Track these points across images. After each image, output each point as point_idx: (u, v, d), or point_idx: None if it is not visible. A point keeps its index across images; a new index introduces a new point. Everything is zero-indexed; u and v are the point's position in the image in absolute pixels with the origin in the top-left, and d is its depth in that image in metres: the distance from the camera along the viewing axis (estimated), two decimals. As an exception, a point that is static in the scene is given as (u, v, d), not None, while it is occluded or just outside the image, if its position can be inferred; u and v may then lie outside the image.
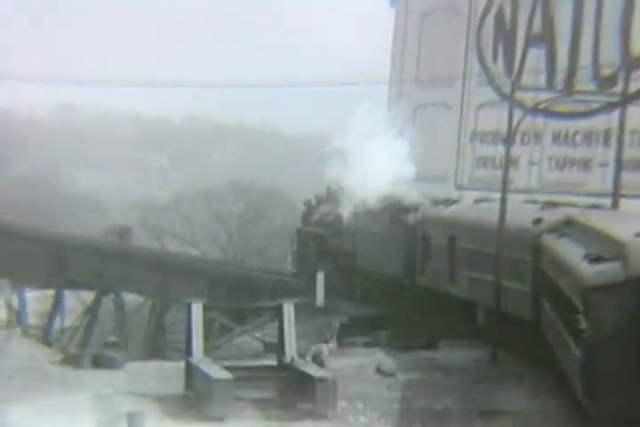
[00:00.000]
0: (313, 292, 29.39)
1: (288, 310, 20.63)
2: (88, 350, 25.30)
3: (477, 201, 28.06)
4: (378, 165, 26.81)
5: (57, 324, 47.83)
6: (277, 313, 20.96)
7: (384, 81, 40.86)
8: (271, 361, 20.49)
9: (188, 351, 20.07)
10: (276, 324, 21.82)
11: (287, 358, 19.99)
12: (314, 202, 34.68)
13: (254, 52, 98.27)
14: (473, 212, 26.43)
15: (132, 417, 16.99)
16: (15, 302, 52.90)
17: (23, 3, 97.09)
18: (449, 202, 29.08)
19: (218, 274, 36.74)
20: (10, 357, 23.17)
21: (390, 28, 40.70)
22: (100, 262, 43.71)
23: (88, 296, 46.69)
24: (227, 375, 18.60)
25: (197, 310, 20.28)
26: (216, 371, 18.86)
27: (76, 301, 48.43)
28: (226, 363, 19.91)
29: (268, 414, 18.28)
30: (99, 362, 22.86)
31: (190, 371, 19.85)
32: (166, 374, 21.95)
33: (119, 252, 42.85)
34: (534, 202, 25.78)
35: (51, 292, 49.31)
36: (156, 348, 38.08)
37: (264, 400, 18.87)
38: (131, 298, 45.28)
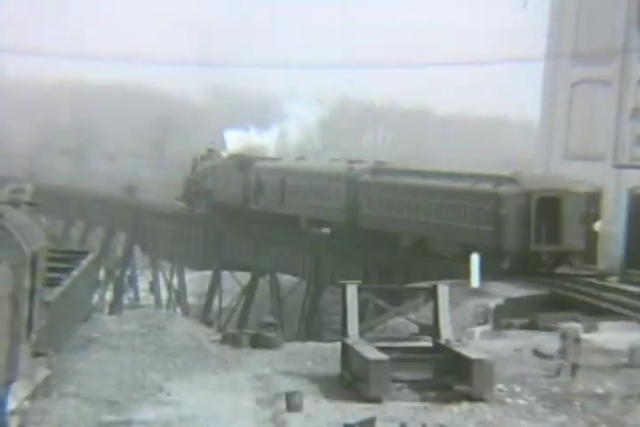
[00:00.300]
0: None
1: (442, 291, 20.57)
2: (246, 331, 25.74)
3: (297, 158, 45.16)
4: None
5: (215, 304, 48.91)
6: (432, 294, 20.94)
7: (528, 58, 40.16)
8: (426, 343, 20.47)
9: (344, 332, 20.21)
10: (430, 305, 21.81)
11: (442, 340, 19.94)
12: (199, 159, 51.24)
13: (388, 32, 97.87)
14: (296, 164, 43.65)
15: (290, 396, 17.27)
16: (175, 283, 54.37)
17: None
18: (275, 159, 46.53)
19: (371, 256, 36.87)
20: (172, 336, 23.79)
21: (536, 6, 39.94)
22: (255, 245, 44.40)
23: (244, 277, 47.54)
24: (382, 356, 18.66)
25: (352, 291, 20.40)
26: (372, 352, 18.94)
27: (232, 282, 49.42)
28: (381, 344, 19.97)
29: (425, 396, 18.29)
30: (256, 342, 23.28)
31: (346, 352, 19.99)
32: (322, 354, 22.20)
33: (273, 235, 43.45)
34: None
35: (208, 273, 50.47)
36: (311, 329, 38.51)
37: (420, 381, 18.88)
38: (286, 279, 45.87)
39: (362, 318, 22.34)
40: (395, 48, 78.75)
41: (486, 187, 31.01)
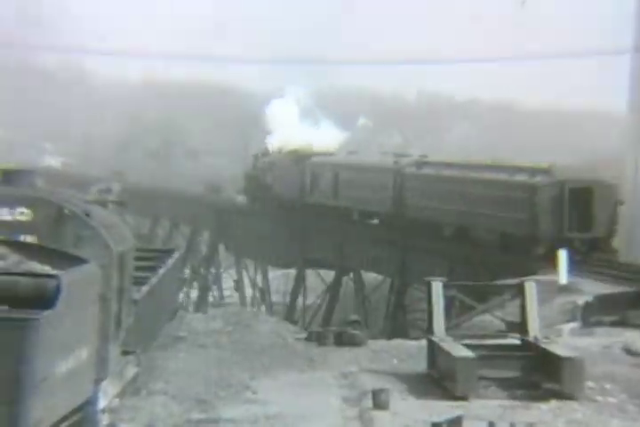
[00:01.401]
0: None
1: (530, 287, 20.30)
2: (331, 328, 25.71)
3: (349, 153, 47.77)
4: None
5: (299, 302, 49.04)
6: (519, 291, 20.67)
7: (615, 51, 39.43)
8: (514, 340, 20.22)
9: (429, 330, 20.07)
10: (517, 302, 21.53)
11: (530, 337, 19.68)
12: (259, 155, 54.97)
13: (469, 25, 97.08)
14: (347, 159, 46.48)
15: (377, 394, 17.19)
16: (259, 281, 54.67)
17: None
18: (329, 154, 48.83)
19: (457, 253, 36.62)
20: (258, 334, 23.88)
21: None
22: (339, 242, 44.39)
23: (328, 275, 47.55)
24: (469, 354, 18.49)
25: (437, 288, 20.25)
26: (458, 349, 18.77)
27: (316, 279, 49.48)
28: (468, 341, 19.78)
29: (513, 394, 18.07)
30: (341, 340, 23.23)
31: (432, 349, 19.85)
32: (408, 352, 22.08)
33: (357, 231, 43.39)
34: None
35: (292, 271, 50.62)
36: (396, 326, 38.37)
37: (508, 379, 18.66)
38: (370, 277, 45.76)
39: (447, 315, 22.15)
40: (480, 42, 78.14)
41: (522, 178, 32.97)
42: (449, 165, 38.21)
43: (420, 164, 39.79)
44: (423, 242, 38.33)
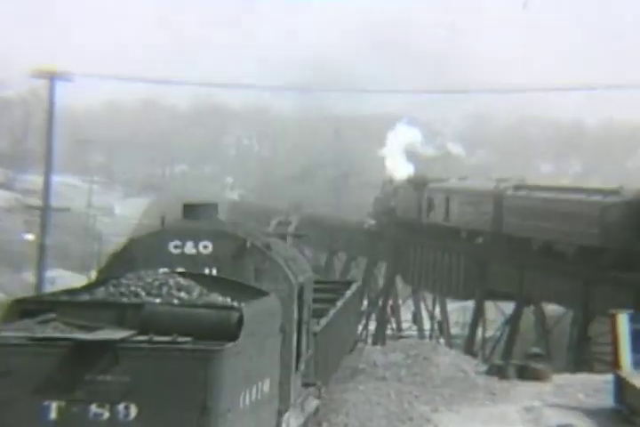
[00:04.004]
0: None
1: None
2: (512, 362, 25.15)
3: (460, 179, 53.36)
4: None
5: (478, 335, 48.32)
6: None
7: None
8: None
9: (616, 364, 19.38)
10: None
11: None
12: (388, 180, 62.42)
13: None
14: (457, 184, 52.32)
15: (562, 430, 16.69)
16: (437, 313, 54.20)
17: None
18: (440, 180, 54.48)
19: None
20: (437, 367, 23.55)
21: None
22: (519, 273, 43.61)
23: (507, 307, 46.74)
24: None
25: (623, 321, 19.57)
26: (648, 384, 18.04)
27: (495, 311, 48.70)
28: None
29: None
30: (524, 373, 22.69)
31: (619, 384, 19.15)
32: (594, 386, 21.37)
33: (537, 263, 42.54)
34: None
35: (471, 303, 49.98)
36: (580, 360, 37.30)
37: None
38: (551, 309, 44.74)
39: (634, 348, 21.34)
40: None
41: (596, 198, 37.84)
42: (541, 188, 44.03)
43: (517, 187, 45.47)
44: (607, 273, 37.53)
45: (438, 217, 52.35)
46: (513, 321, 45.23)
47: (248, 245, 13.43)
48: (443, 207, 51.93)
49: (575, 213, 38.41)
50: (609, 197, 37.17)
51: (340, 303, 23.14)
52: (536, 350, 26.76)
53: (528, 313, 44.62)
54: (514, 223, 44.00)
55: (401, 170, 64.30)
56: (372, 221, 62.03)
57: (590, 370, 29.27)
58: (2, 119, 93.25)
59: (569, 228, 38.65)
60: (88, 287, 12.33)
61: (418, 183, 56.31)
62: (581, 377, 23.40)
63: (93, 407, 10.29)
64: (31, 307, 11.56)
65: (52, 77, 44.60)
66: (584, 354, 38.00)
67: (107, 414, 10.29)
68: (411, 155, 67.18)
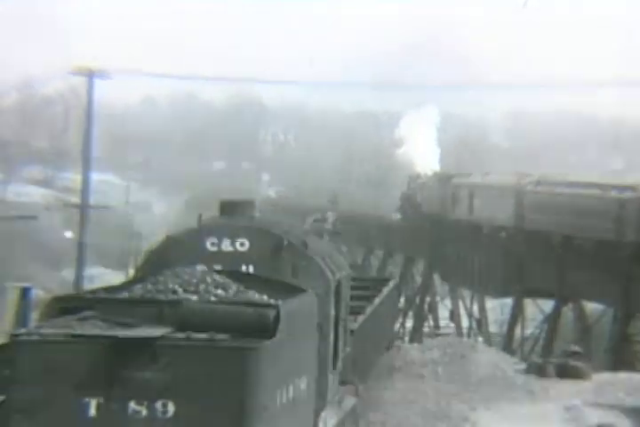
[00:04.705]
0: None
1: None
2: (551, 360, 24.95)
3: (484, 174, 53.60)
4: None
5: (517, 332, 48.01)
6: None
7: None
8: None
9: (658, 362, 19.21)
10: None
11: None
12: (415, 176, 62.29)
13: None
14: (480, 179, 52.42)
15: (602, 430, 16.53)
16: (475, 310, 53.93)
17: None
18: (465, 175, 54.83)
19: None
20: (475, 365, 23.42)
21: None
22: (558, 271, 43.29)
23: (547, 304, 46.42)
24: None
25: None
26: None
27: (535, 309, 48.37)
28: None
29: None
30: (563, 372, 22.51)
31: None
32: (635, 385, 21.18)
33: (576, 259, 42.23)
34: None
35: (509, 300, 49.67)
36: (621, 358, 36.95)
37: None
38: (591, 306, 44.39)
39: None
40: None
41: (613, 193, 38.63)
42: (561, 184, 44.52)
43: (538, 183, 46.00)
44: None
45: (462, 213, 52.89)
46: (552, 319, 44.90)
47: (285, 242, 13.40)
48: (466, 203, 52.47)
49: (592, 208, 39.30)
50: (626, 192, 37.96)
51: (377, 301, 23.05)
52: (575, 347, 26.51)
53: (567, 311, 44.29)
54: (534, 218, 44.76)
55: (426, 158, 64.67)
56: (399, 215, 63.14)
57: (631, 368, 29.00)
58: (41, 117, 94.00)
59: (586, 222, 39.56)
60: (126, 285, 12.36)
61: (442, 178, 56.93)
62: (622, 376, 23.19)
63: (132, 404, 10.31)
64: (70, 304, 11.60)
65: (90, 75, 44.79)
66: (624, 352, 37.68)
67: (145, 412, 10.30)
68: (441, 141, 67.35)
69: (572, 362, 22.90)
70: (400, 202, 63.56)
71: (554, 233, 43.13)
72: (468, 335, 51.29)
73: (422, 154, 65.59)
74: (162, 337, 10.49)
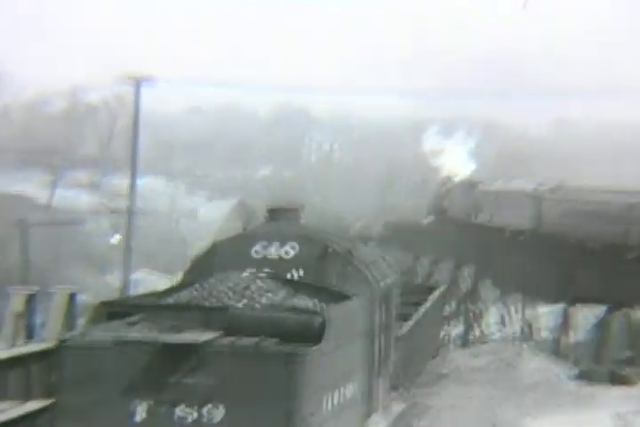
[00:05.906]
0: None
1: None
2: (602, 366, 24.69)
3: (506, 181, 52.27)
4: None
5: (568, 338, 47.52)
6: None
7: None
8: None
9: None
10: None
11: None
12: (444, 181, 62.09)
13: None
14: (503, 186, 51.65)
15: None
16: (526, 316, 53.44)
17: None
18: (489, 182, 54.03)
19: None
20: (524, 371, 23.24)
21: None
22: (609, 277, 42.90)
23: (598, 310, 45.93)
24: None
25: None
26: None
27: (586, 315, 47.84)
28: None
29: None
30: (614, 378, 22.27)
31: None
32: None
33: (627, 266, 41.81)
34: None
35: (560, 306, 49.17)
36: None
37: None
38: (640, 313, 43.87)
39: None
40: None
41: (622, 197, 38.98)
42: (575, 190, 45.62)
43: (554, 189, 46.79)
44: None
45: (484, 218, 54.26)
46: (603, 325, 44.45)
47: (330, 249, 13.36)
48: (489, 208, 54.61)
49: (603, 213, 40.76)
50: (635, 197, 39.36)
51: (423, 307, 22.93)
52: (628, 353, 26.18)
53: (619, 317, 43.81)
54: (551, 222, 46.22)
55: (460, 167, 67.53)
56: (432, 218, 65.38)
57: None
58: (88, 124, 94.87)
59: (598, 226, 40.86)
60: (173, 290, 12.37)
61: (467, 185, 58.87)
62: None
63: (179, 409, 10.32)
64: (118, 309, 11.63)
65: (137, 82, 45.07)
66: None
67: (192, 416, 10.31)
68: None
69: (624, 369, 22.63)
70: (428, 207, 64.72)
71: (567, 237, 43.68)
72: (518, 341, 50.89)
73: (457, 165, 68.37)
74: (208, 343, 10.48)
